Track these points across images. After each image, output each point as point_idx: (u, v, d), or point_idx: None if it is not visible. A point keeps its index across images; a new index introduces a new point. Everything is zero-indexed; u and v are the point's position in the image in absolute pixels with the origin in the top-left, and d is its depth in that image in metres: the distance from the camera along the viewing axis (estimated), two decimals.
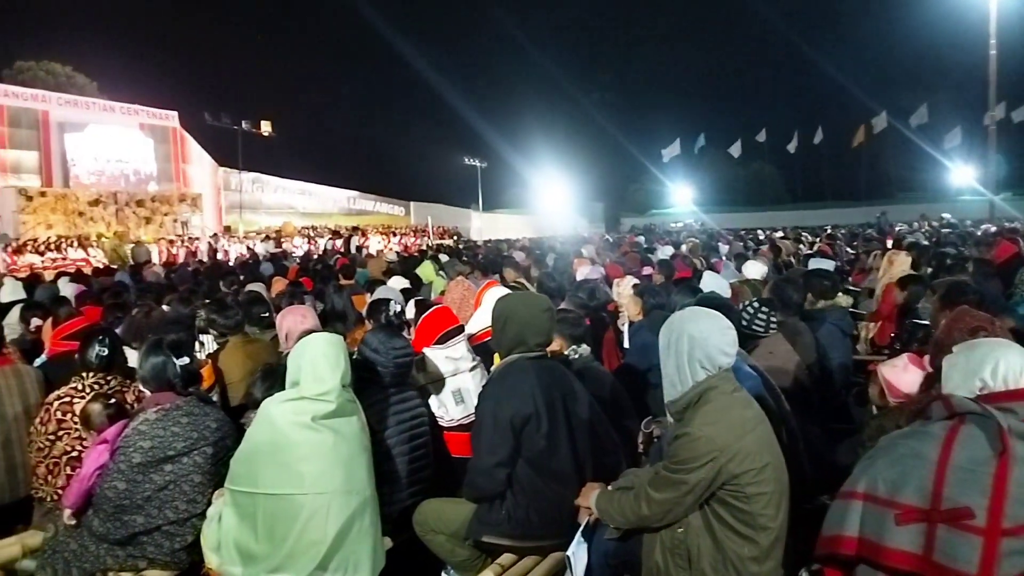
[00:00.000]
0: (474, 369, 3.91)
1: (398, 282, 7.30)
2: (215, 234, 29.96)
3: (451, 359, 3.85)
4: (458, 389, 3.83)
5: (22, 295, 7.41)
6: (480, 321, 4.65)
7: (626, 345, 5.30)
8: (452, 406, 3.82)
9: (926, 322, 4.76)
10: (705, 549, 2.41)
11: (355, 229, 31.15)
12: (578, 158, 52.96)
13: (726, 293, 5.46)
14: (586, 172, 52.30)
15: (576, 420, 3.00)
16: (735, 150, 52.69)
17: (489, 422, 2.88)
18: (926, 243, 12.76)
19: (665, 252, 11.92)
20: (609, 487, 2.79)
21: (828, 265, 7.58)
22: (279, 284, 7.54)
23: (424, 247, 25.77)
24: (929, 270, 7.55)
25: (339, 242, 28.02)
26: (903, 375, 3.07)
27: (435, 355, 3.85)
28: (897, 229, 21.98)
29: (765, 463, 2.40)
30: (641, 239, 19.18)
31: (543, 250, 14.05)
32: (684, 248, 13.07)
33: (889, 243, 12.53)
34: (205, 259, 22.27)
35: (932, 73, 51.27)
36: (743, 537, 2.39)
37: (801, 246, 14.83)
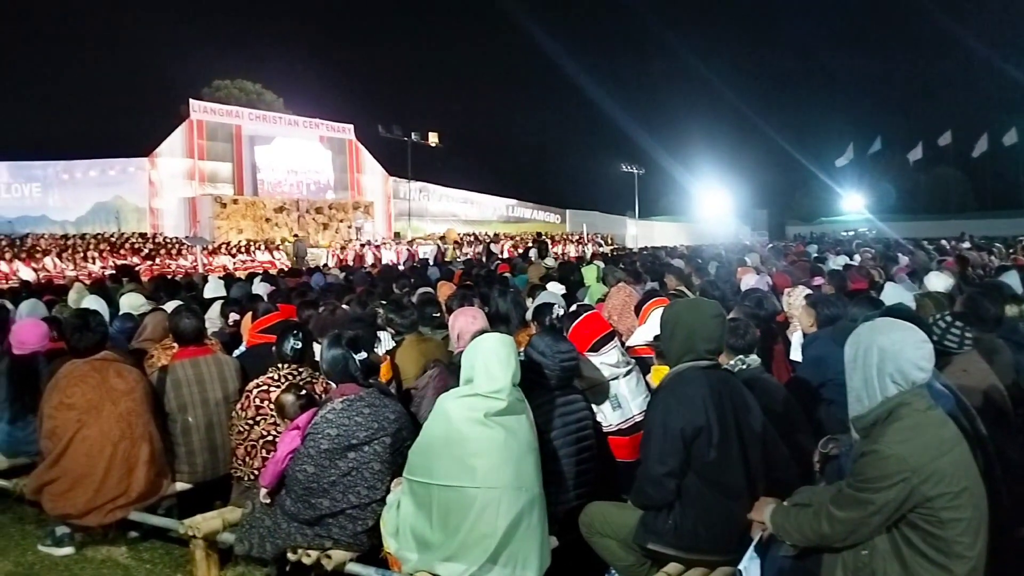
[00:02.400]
0: (629, 374, 3.89)
1: (557, 287, 7.40)
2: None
3: (606, 365, 3.86)
4: (615, 395, 3.83)
5: (222, 292, 8.18)
6: (642, 335, 4.61)
7: (793, 357, 5.08)
8: (609, 411, 3.82)
9: None
10: (892, 574, 2.27)
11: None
12: (740, 163, 51.18)
13: (911, 306, 5.10)
14: (749, 178, 50.42)
15: (748, 433, 2.91)
16: (915, 154, 48.99)
17: (659, 431, 2.85)
18: None
19: (838, 262, 11.29)
20: (784, 503, 2.69)
21: (1014, 280, 6.83)
22: (445, 287, 7.84)
23: (582, 254, 25.88)
24: None
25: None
26: None
27: (590, 362, 3.86)
28: None
29: (962, 487, 2.23)
30: (812, 248, 18.22)
31: (704, 258, 13.70)
32: (858, 258, 12.33)
33: None
34: (362, 262, 23.54)
35: None
36: (936, 565, 2.22)
37: (992, 258, 13.54)
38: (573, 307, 5.16)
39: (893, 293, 5.62)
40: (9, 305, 7.11)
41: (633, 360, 4.06)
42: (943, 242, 20.13)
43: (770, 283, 7.75)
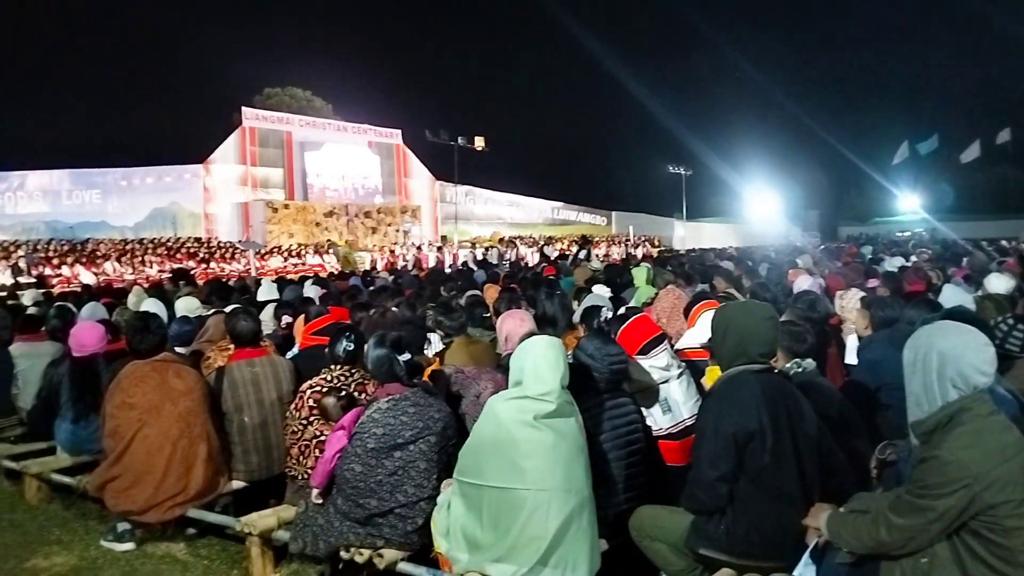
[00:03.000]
0: (679, 377, 3.86)
1: (602, 290, 7.35)
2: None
3: (656, 368, 3.83)
4: (665, 398, 3.80)
5: (276, 295, 8.34)
6: (691, 338, 4.56)
7: (847, 360, 4.98)
8: (659, 415, 3.80)
9: None
10: None
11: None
12: (790, 163, 50.22)
13: (971, 309, 4.95)
14: (799, 178, 49.50)
15: (802, 438, 2.85)
16: (972, 152, 47.45)
17: (710, 436, 2.81)
18: None
19: (893, 263, 11.02)
20: (841, 509, 2.64)
21: None
22: (492, 290, 7.87)
23: (628, 256, 25.73)
24: None
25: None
26: None
27: (640, 365, 3.84)
28: None
29: None
30: (866, 249, 17.80)
31: (754, 260, 13.48)
32: (914, 259, 12.03)
33: None
34: (420, 265, 23.77)
35: None
36: (999, 574, 2.16)
37: None
38: (622, 310, 5.14)
39: (952, 295, 5.48)
40: (73, 308, 7.36)
41: (684, 363, 4.03)
42: (1003, 242, 19.48)
43: (823, 285, 7.60)
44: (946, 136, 48.36)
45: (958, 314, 3.76)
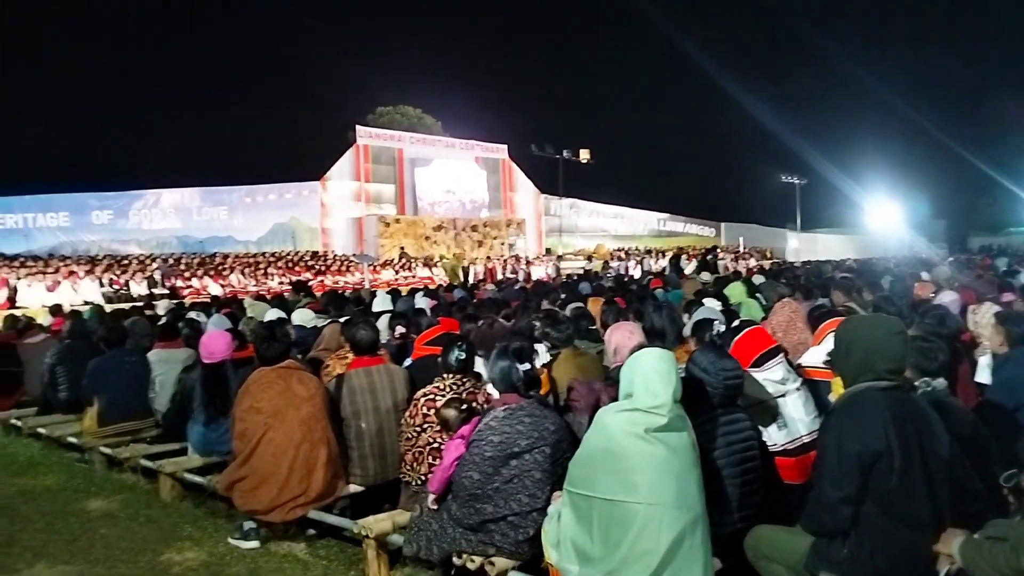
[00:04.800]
0: (797, 391, 3.72)
1: (713, 303, 7.19)
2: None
3: (770, 381, 3.71)
4: (780, 414, 3.68)
5: (389, 306, 8.63)
6: (816, 356, 4.40)
7: (978, 379, 4.68)
8: (774, 431, 3.69)
9: None
10: None
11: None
12: (913, 171, 47.54)
13: None
14: (924, 186, 46.76)
15: (934, 461, 2.70)
16: None
17: (833, 455, 2.71)
18: None
19: None
20: (975, 535, 2.48)
21: None
22: (596, 303, 7.84)
23: (738, 268, 25.06)
24: None
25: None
26: None
27: (755, 379, 3.73)
28: None
29: None
30: (1000, 261, 16.64)
31: (876, 272, 12.85)
32: None
33: None
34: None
35: None
36: None
37: None
38: (736, 322, 5.02)
39: None
40: (204, 318, 7.84)
41: (801, 378, 3.89)
42: None
43: (956, 299, 7.12)
44: None
45: None
